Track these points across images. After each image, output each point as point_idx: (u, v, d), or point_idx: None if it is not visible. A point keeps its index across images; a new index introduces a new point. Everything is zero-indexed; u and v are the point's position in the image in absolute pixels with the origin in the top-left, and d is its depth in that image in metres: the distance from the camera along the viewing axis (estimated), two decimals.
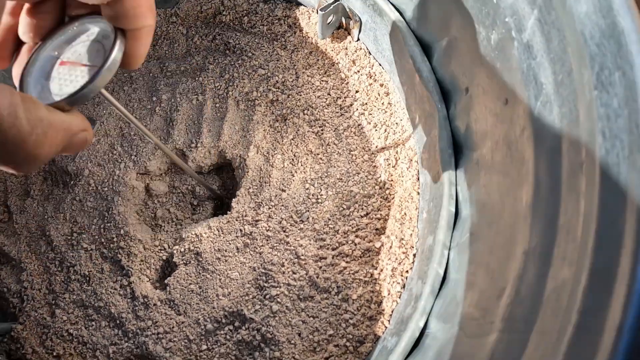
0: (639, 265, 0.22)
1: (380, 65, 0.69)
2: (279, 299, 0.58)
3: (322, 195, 0.63)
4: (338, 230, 0.61)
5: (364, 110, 0.67)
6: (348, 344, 0.56)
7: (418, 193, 0.60)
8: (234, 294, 0.60)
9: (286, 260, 0.60)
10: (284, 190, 0.64)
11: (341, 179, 0.64)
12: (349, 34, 0.71)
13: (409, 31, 0.61)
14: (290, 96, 0.69)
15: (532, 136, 0.38)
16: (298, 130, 0.67)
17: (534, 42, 0.40)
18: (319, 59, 0.71)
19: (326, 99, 0.68)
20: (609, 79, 0.29)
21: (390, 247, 0.58)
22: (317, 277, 0.59)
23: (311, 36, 0.72)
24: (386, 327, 0.55)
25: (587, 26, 0.33)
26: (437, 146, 0.55)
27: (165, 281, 0.63)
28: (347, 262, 0.59)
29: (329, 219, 0.62)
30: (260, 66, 0.72)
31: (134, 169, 0.69)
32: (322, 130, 0.67)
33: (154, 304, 0.63)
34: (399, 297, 0.56)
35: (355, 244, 0.60)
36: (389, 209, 0.61)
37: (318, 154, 0.66)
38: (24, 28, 0.39)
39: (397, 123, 0.65)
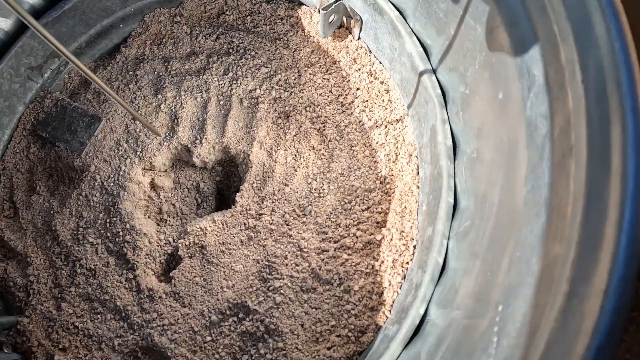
0: (623, 233, 0.24)
1: (380, 63, 0.71)
2: (282, 291, 0.60)
3: (324, 189, 0.65)
4: (340, 223, 0.63)
5: (365, 107, 0.70)
6: (350, 334, 0.57)
7: (418, 187, 0.62)
8: (238, 286, 0.62)
9: (289, 253, 0.62)
10: (287, 185, 0.66)
11: (343, 173, 0.66)
12: (350, 32, 0.74)
13: (408, 30, 0.63)
14: (293, 94, 0.71)
15: (525, 126, 0.40)
16: (300, 126, 0.70)
17: (527, 37, 0.42)
18: (321, 58, 0.74)
19: (328, 96, 0.71)
20: (595, 66, 0.32)
21: (391, 239, 0.60)
22: (320, 270, 0.60)
23: (313, 35, 0.75)
24: (387, 317, 0.57)
25: (573, 14, 0.35)
26: (436, 140, 0.57)
27: (170, 274, 0.65)
28: (348, 254, 0.61)
29: (331, 213, 0.64)
30: (264, 65, 0.74)
31: (140, 164, 0.71)
32: (324, 126, 0.69)
33: (159, 297, 0.65)
34: (400, 288, 0.58)
35: (357, 237, 0.62)
36: (389, 203, 0.63)
37: (320, 150, 0.68)
38: None
39: (397, 119, 0.67)
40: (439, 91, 0.60)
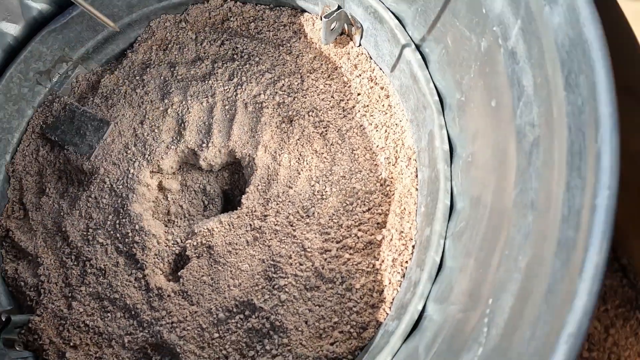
0: (592, 237, 0.29)
1: (380, 69, 0.75)
2: (286, 289, 0.64)
3: (326, 191, 0.69)
4: (342, 224, 0.67)
5: (366, 111, 0.74)
6: (352, 330, 0.62)
7: (416, 189, 0.66)
8: (244, 284, 0.66)
9: (293, 252, 0.66)
10: (290, 187, 0.70)
11: (344, 176, 0.70)
12: (351, 39, 0.78)
13: (407, 38, 0.67)
14: (296, 99, 0.75)
15: (514, 133, 0.44)
16: (303, 131, 0.74)
17: (518, 49, 0.46)
18: (323, 64, 0.78)
19: (330, 101, 0.75)
20: (575, 81, 0.36)
21: (391, 239, 0.64)
22: (323, 269, 0.65)
23: (315, 42, 0.79)
24: (387, 314, 0.61)
25: (559, 36, 0.39)
26: (434, 145, 0.62)
27: (179, 273, 0.69)
28: (350, 254, 0.65)
29: (333, 214, 0.68)
30: (267, 70, 0.78)
31: (148, 167, 0.75)
32: (326, 130, 0.73)
33: (168, 295, 0.69)
34: (399, 286, 0.62)
35: (358, 237, 0.66)
36: (389, 204, 0.67)
37: (322, 153, 0.73)
38: None
39: (396, 124, 0.72)
40: (437, 98, 0.64)
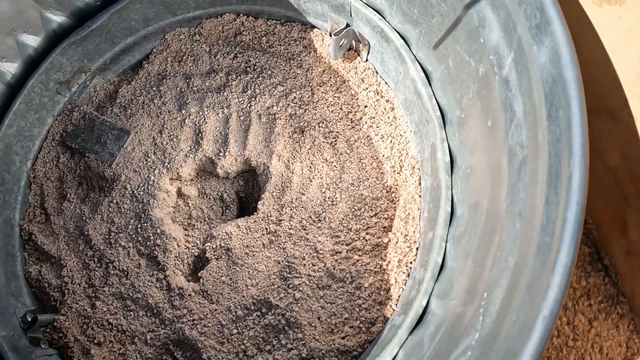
0: (563, 242, 0.38)
1: (386, 83, 0.85)
2: (300, 288, 0.73)
3: (336, 198, 0.79)
4: (351, 228, 0.77)
5: (372, 123, 0.83)
6: (361, 325, 0.71)
7: (420, 196, 0.76)
8: (261, 284, 0.75)
9: (306, 254, 0.76)
10: (303, 194, 0.80)
11: (353, 184, 0.80)
12: (359, 55, 0.88)
13: (412, 57, 0.77)
14: (307, 111, 0.85)
15: (507, 151, 0.54)
16: (314, 141, 0.83)
17: (510, 77, 0.56)
18: (332, 77, 0.87)
19: (339, 113, 0.85)
20: (556, 114, 0.46)
21: (397, 242, 0.74)
22: (334, 269, 0.74)
23: (324, 56, 0.89)
24: (394, 310, 0.71)
25: (544, 72, 0.49)
26: (436, 156, 0.71)
27: (199, 274, 0.78)
28: (359, 255, 0.75)
29: (343, 219, 0.77)
30: (279, 83, 0.88)
31: (167, 175, 0.84)
32: (335, 141, 0.83)
33: (189, 294, 0.78)
34: (405, 284, 0.71)
35: (366, 240, 0.75)
36: (394, 210, 0.77)
37: (332, 162, 0.82)
38: None
39: (401, 135, 0.81)
40: (439, 113, 0.74)
